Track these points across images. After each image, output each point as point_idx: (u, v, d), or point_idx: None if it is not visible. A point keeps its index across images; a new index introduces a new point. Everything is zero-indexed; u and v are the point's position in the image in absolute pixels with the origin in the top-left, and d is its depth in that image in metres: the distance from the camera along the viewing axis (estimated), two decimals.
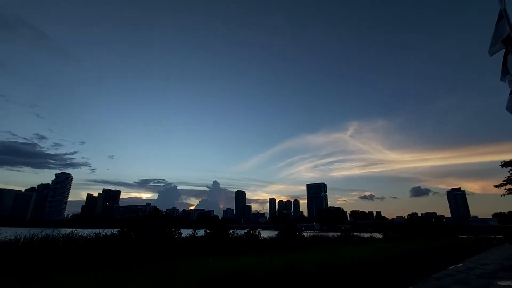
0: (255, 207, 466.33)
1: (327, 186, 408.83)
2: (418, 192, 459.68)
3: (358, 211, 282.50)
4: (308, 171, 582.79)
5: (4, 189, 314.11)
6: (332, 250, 18.88)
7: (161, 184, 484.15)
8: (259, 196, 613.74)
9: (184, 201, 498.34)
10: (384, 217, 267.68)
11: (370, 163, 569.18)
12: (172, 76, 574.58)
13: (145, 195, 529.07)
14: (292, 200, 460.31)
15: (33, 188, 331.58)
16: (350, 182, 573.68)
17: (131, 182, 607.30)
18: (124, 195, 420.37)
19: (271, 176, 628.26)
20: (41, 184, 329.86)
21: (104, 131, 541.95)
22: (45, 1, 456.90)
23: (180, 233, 17.43)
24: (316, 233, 40.85)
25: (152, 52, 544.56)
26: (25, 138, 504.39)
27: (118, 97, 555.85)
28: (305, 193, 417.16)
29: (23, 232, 13.19)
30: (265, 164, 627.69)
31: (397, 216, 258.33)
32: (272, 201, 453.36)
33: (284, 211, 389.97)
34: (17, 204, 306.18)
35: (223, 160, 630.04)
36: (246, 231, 22.94)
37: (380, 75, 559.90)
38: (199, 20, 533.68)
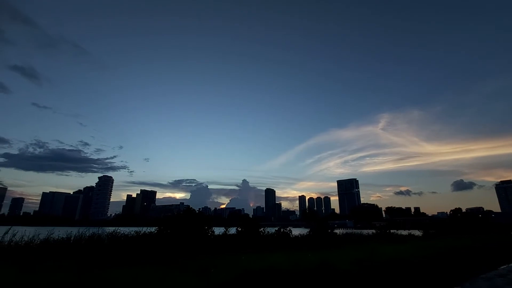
0: (285, 205, 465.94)
1: (359, 182, 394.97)
2: (461, 185, 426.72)
3: (394, 207, 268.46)
4: (338, 167, 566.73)
5: (56, 192, 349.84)
6: (367, 248, 18.19)
7: (193, 184, 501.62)
8: (289, 194, 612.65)
9: (215, 200, 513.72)
10: (424, 213, 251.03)
11: (405, 156, 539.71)
12: (200, 78, 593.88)
13: (179, 195, 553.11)
14: (322, 197, 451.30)
15: (79, 190, 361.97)
16: (384, 177, 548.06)
17: (165, 182, 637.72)
18: (159, 195, 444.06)
19: (300, 173, 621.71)
20: (87, 186, 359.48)
21: (139, 136, 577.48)
22: (82, 18, 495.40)
23: (213, 231, 17.95)
24: (349, 231, 39.57)
25: (179, 57, 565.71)
26: (71, 145, 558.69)
27: (150, 103, 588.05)
28: (336, 190, 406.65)
29: (73, 231, 14.55)
30: (294, 161, 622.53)
31: (438, 212, 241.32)
32: (302, 198, 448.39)
33: (315, 208, 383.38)
34: (67, 205, 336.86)
35: (251, 159, 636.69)
36: (276, 228, 22.94)
37: (413, 65, 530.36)
38: (223, 22, 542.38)
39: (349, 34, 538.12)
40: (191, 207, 19.80)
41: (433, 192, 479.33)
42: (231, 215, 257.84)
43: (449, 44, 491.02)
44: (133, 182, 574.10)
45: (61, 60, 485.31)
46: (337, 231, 29.53)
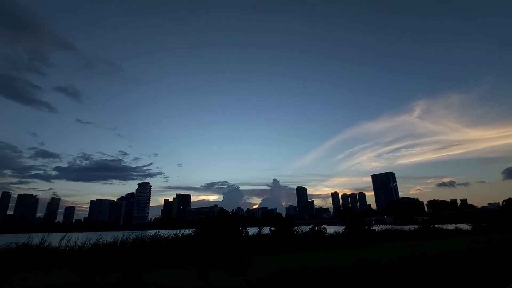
0: (317, 203, 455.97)
1: (396, 175, 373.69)
2: None
3: (437, 200, 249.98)
4: (371, 160, 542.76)
5: (102, 200, 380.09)
6: (410, 245, 17.18)
7: (225, 186, 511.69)
8: (321, 191, 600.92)
9: (247, 201, 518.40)
10: (472, 205, 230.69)
11: (446, 145, 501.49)
12: (227, 84, 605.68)
13: (212, 197, 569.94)
14: (356, 193, 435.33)
15: (122, 197, 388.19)
16: (424, 168, 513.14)
17: (198, 186, 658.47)
18: (193, 198, 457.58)
19: (331, 169, 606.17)
20: (128, 193, 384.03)
21: (172, 143, 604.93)
22: (114, 38, 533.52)
23: (247, 231, 18.20)
24: (388, 227, 37.77)
25: (205, 65, 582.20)
26: (112, 156, 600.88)
27: (181, 111, 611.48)
28: (371, 185, 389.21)
29: (119, 235, 15.70)
30: (324, 157, 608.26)
31: (488, 204, 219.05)
32: (335, 195, 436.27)
33: (349, 205, 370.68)
34: (112, 211, 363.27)
35: (280, 158, 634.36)
36: (310, 227, 22.59)
37: (450, 45, 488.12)
38: (245, 20, 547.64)
39: (374, 14, 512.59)
40: (225, 209, 20.27)
41: (481, 182, 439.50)
42: (264, 215, 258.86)
43: (491, 13, 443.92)
44: (169, 187, 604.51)
45: (98, 78, 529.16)
46: (375, 227, 28.29)
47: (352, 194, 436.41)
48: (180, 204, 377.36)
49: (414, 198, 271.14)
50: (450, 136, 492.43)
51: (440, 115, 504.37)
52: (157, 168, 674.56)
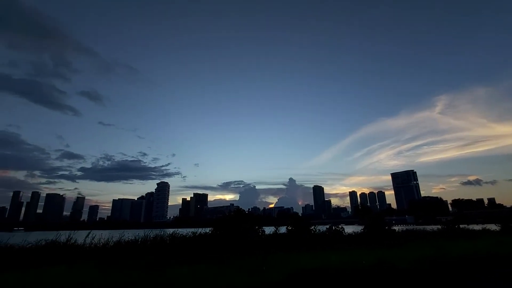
0: (335, 202, 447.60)
1: (417, 174, 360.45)
2: None
3: (462, 199, 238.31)
4: (391, 158, 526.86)
5: (123, 199, 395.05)
6: (433, 245, 16.54)
7: (241, 186, 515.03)
8: (338, 190, 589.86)
9: (264, 200, 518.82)
10: (500, 205, 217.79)
11: (471, 141, 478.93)
12: (241, 81, 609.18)
13: (228, 197, 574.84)
14: (375, 192, 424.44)
15: (142, 196, 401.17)
16: (447, 166, 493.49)
17: (215, 185, 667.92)
18: (210, 197, 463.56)
19: (348, 168, 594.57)
20: (148, 192, 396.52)
21: (189, 143, 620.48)
22: (130, 42, 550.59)
23: (263, 231, 18.24)
24: (409, 227, 36.56)
25: (220, 65, 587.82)
26: (132, 156, 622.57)
27: (197, 111, 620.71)
28: (391, 183, 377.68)
29: (140, 233, 16.26)
30: (340, 156, 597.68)
31: None
32: (353, 194, 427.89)
33: (368, 204, 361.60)
34: (133, 210, 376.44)
35: (296, 157, 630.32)
36: (328, 226, 22.28)
37: (474, 36, 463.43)
38: (260, 19, 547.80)
39: (392, 7, 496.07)
40: (241, 208, 20.40)
41: (510, 180, 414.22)
42: (280, 214, 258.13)
43: None
44: (186, 187, 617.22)
45: (117, 81, 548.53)
46: (396, 227, 27.45)
47: (371, 193, 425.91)
48: (198, 203, 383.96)
49: (437, 197, 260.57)
50: (476, 132, 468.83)
51: (464, 110, 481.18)
52: (175, 168, 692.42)
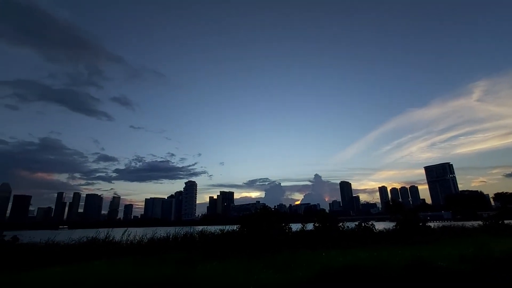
0: (363, 198, 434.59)
1: (454, 166, 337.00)
2: None
3: (506, 193, 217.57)
4: (423, 151, 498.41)
5: (155, 198, 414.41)
6: (474, 243, 15.39)
7: (266, 183, 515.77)
8: (366, 186, 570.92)
9: (289, 197, 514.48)
10: None
11: None
12: (264, 78, 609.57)
13: (254, 194, 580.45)
14: (407, 186, 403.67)
15: (172, 195, 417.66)
16: (488, 157, 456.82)
17: (240, 183, 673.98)
18: (236, 195, 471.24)
19: (377, 162, 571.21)
20: (177, 191, 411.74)
21: (214, 142, 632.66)
22: (155, 47, 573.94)
23: (290, 228, 18.16)
24: (446, 223, 34.29)
25: (244, 61, 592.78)
26: (161, 157, 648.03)
27: (222, 111, 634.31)
28: (424, 177, 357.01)
29: (170, 230, 17.00)
30: (368, 150, 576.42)
31: None
32: (382, 189, 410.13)
33: (400, 200, 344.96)
34: (164, 208, 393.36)
35: (321, 152, 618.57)
36: (357, 223, 21.65)
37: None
38: (282, 16, 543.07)
39: None
40: (267, 205, 20.47)
41: None
42: (307, 211, 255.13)
43: None
44: (213, 185, 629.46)
45: (145, 86, 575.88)
46: (431, 224, 25.96)
47: (403, 188, 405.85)
48: (224, 201, 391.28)
49: (477, 191, 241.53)
50: None
51: (506, 96, 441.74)
52: (201, 167, 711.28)
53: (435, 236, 19.98)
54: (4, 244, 12.23)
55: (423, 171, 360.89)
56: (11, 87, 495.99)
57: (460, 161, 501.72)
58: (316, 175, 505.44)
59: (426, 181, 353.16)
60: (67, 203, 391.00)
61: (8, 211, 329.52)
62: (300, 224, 20.12)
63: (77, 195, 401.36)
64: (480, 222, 27.81)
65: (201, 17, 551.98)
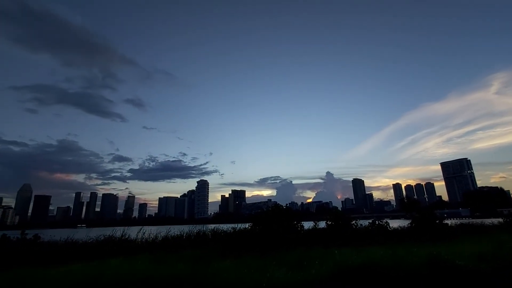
0: (377, 195, 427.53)
1: (472, 162, 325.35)
2: None
3: None
4: (439, 146, 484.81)
5: (168, 197, 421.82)
6: (493, 241, 14.87)
7: (278, 181, 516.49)
8: (380, 183, 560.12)
9: (301, 195, 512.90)
10: None
11: None
12: (274, 76, 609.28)
13: (265, 192, 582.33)
14: (423, 183, 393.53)
15: (184, 194, 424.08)
16: (507, 152, 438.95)
17: (252, 182, 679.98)
18: (248, 193, 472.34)
19: (391, 158, 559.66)
20: (189, 190, 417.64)
21: (225, 141, 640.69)
22: (166, 49, 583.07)
23: (302, 226, 18.10)
24: (464, 221, 33.27)
25: (254, 60, 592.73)
26: (174, 157, 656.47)
27: (232, 110, 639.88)
28: (440, 174, 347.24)
29: (184, 228, 17.30)
30: (381, 146, 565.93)
31: None
32: (397, 186, 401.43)
33: (415, 197, 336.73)
34: (177, 207, 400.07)
35: (333, 150, 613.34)
36: (370, 221, 21.32)
37: None
38: (291, 16, 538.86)
39: None
40: (278, 203, 20.45)
41: None
42: (319, 209, 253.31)
43: None
44: (224, 184, 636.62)
45: (156, 87, 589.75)
46: (448, 221, 25.23)
47: (418, 185, 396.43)
48: (236, 200, 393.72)
49: (496, 187, 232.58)
50: None
51: None
52: (213, 166, 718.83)
53: (453, 234, 19.41)
54: (26, 242, 12.80)
55: (439, 167, 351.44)
56: (31, 92, 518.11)
57: (478, 157, 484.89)
58: (328, 173, 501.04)
59: (442, 177, 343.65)
60: (85, 203, 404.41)
61: (30, 211, 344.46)
62: (312, 222, 20.01)
63: (94, 195, 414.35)
64: (500, 220, 26.78)
65: (211, 19, 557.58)
